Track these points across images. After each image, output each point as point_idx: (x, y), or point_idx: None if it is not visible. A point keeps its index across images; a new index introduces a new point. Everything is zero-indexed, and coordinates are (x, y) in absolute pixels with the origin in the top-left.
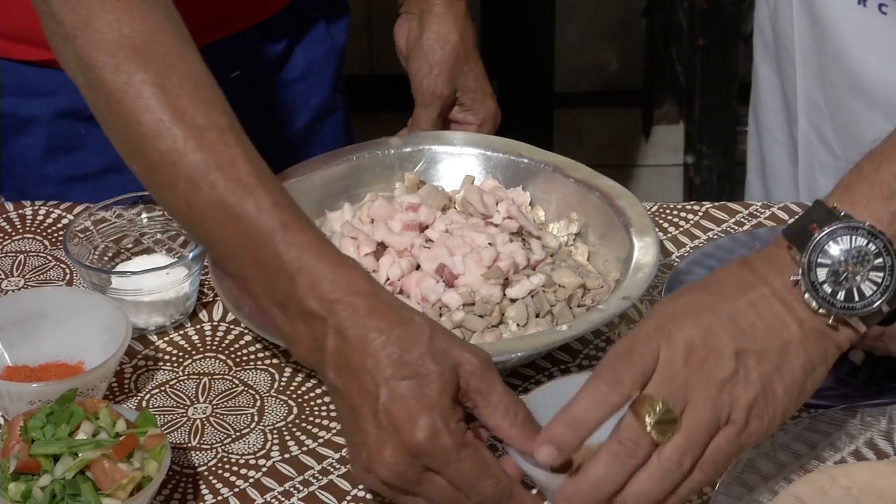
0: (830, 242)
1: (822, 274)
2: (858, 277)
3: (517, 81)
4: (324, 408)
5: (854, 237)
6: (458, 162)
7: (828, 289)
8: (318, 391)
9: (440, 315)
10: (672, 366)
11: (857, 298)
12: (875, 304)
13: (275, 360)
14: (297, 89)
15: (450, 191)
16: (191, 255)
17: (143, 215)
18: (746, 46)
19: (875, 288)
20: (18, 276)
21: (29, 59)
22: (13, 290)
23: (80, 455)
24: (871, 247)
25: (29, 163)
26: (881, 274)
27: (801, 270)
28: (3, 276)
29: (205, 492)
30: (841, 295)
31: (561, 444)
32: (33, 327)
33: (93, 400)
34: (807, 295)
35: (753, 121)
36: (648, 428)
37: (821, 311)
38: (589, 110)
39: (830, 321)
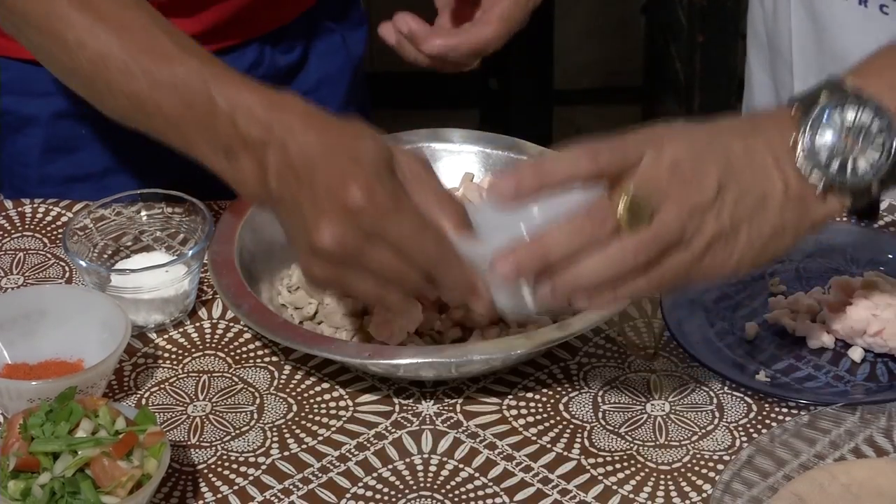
0: (836, 111)
1: (820, 140)
2: (856, 150)
3: (516, 79)
4: (323, 406)
5: (860, 110)
6: (458, 159)
7: (823, 155)
8: (318, 388)
9: (440, 313)
10: (654, 170)
11: (849, 171)
12: (867, 180)
13: (274, 358)
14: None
15: (449, 188)
16: (190, 252)
17: (143, 213)
18: (745, 43)
19: (870, 165)
20: (18, 273)
21: (28, 59)
22: (12, 288)
23: (79, 453)
24: (875, 124)
25: (29, 162)
26: (879, 153)
27: (801, 132)
28: (2, 274)
29: (204, 489)
30: (835, 165)
31: (520, 180)
32: (32, 325)
33: (92, 398)
34: (801, 157)
35: None
36: (619, 212)
37: (812, 175)
38: (588, 108)
39: (819, 189)
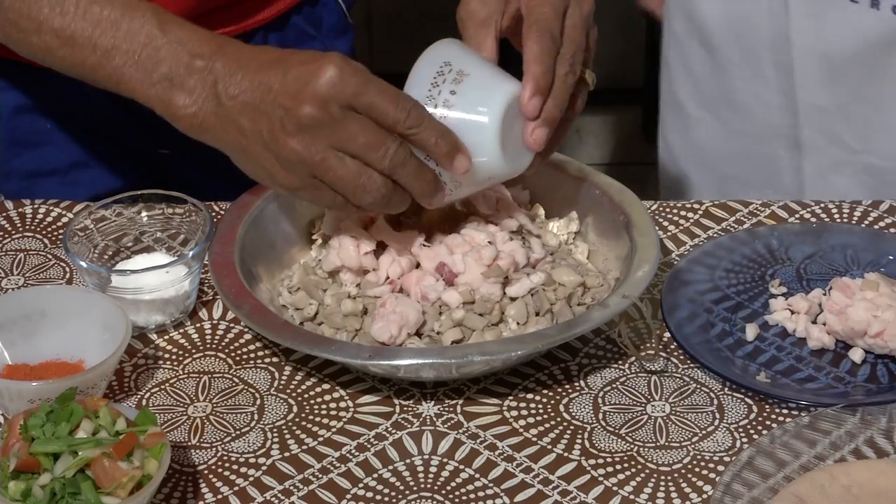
0: None
1: None
2: None
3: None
4: (324, 407)
5: None
6: None
7: None
8: (319, 389)
9: (440, 314)
10: None
11: None
12: None
13: (275, 359)
14: None
15: None
16: (191, 253)
17: (143, 213)
18: None
19: None
20: (18, 274)
21: None
22: (13, 289)
23: (80, 453)
24: None
25: None
26: None
27: None
28: (2, 275)
29: (205, 490)
30: None
31: None
32: (33, 326)
33: (93, 398)
34: None
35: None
36: None
37: None
38: (589, 109)
39: None
